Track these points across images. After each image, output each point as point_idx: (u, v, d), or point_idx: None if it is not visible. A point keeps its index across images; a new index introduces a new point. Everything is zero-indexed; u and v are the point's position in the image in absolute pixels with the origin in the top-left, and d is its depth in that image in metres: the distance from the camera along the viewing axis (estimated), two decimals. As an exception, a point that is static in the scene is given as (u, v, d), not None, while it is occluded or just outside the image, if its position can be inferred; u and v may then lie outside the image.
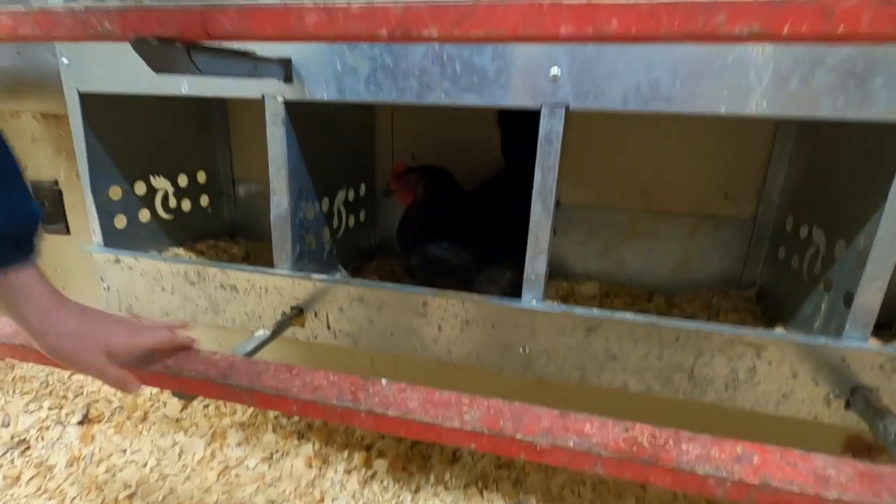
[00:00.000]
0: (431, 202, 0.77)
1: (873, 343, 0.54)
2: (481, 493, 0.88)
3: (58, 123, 1.09)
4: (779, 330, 0.68)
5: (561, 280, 0.90)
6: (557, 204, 0.87)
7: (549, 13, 0.32)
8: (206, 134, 0.97)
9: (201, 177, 0.97)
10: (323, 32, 0.36)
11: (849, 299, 0.55)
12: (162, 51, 0.41)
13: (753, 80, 0.49)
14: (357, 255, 0.92)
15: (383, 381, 0.48)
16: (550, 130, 0.54)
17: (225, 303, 0.72)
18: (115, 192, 0.79)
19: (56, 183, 1.14)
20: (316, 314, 0.69)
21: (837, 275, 0.59)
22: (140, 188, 0.83)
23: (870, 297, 0.53)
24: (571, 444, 0.40)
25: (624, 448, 0.40)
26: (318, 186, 0.73)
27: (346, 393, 0.46)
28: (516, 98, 0.54)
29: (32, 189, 1.14)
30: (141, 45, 0.40)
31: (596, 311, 0.59)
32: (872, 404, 0.53)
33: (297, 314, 0.69)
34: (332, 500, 0.85)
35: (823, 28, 0.29)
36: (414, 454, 0.98)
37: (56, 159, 1.12)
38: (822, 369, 0.55)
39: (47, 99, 0.87)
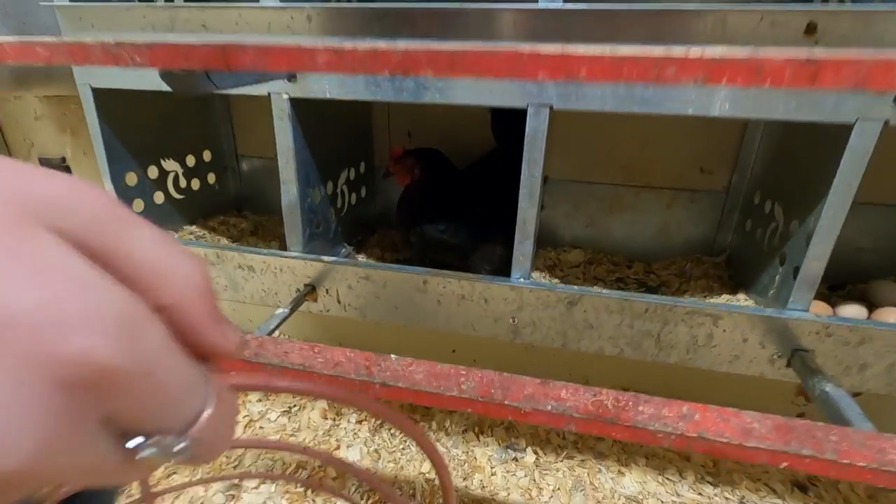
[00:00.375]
0: (427, 183, 0.83)
1: (811, 313, 0.63)
2: (478, 437, 1.00)
3: (60, 103, 1.11)
4: (733, 301, 0.76)
5: (549, 249, 0.97)
6: (546, 180, 0.93)
7: (529, 62, 0.37)
8: (209, 115, 1.01)
9: (207, 155, 1.01)
10: (332, 69, 0.41)
11: (796, 274, 0.63)
12: (185, 78, 0.46)
13: (717, 86, 0.54)
14: (360, 229, 0.99)
15: (392, 356, 0.56)
16: (536, 128, 0.60)
17: (244, 281, 0.80)
18: (131, 179, 0.84)
19: (64, 160, 1.17)
20: (327, 291, 0.77)
21: (790, 250, 0.67)
22: (153, 172, 0.88)
23: (811, 274, 0.61)
24: (549, 408, 0.49)
25: (592, 410, 0.49)
26: (323, 172, 0.79)
27: (361, 368, 0.54)
28: (506, 99, 0.59)
29: (42, 166, 1.18)
30: (167, 76, 0.45)
31: (576, 288, 0.67)
32: (807, 364, 0.62)
33: (310, 291, 0.77)
34: (348, 447, 0.97)
35: (754, 81, 0.34)
36: (417, 405, 1.09)
37: (61, 137, 1.16)
38: (768, 334, 0.64)
39: (53, 86, 0.90)
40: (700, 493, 0.89)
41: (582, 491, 0.88)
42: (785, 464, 0.46)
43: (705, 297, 0.81)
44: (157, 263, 0.15)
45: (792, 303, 0.63)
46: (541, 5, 0.53)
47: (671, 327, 0.67)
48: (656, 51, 0.35)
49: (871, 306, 0.80)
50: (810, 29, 0.50)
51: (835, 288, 0.87)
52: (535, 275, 0.85)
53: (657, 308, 0.66)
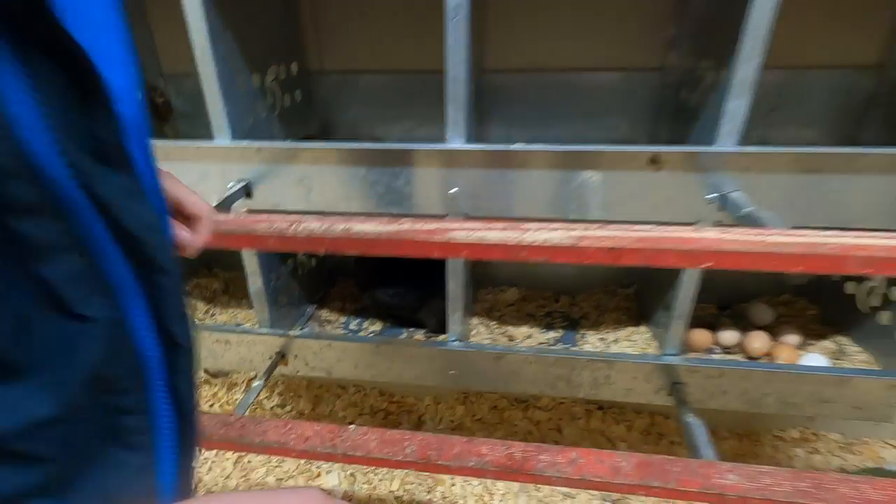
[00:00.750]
0: (376, 252, 0.95)
1: (681, 357, 0.80)
2: (439, 452, 1.16)
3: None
4: (635, 333, 0.93)
5: (490, 288, 1.12)
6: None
7: (426, 246, 0.50)
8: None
9: (175, 226, 1.11)
10: (280, 248, 0.53)
11: (673, 321, 0.80)
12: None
13: (592, 197, 0.68)
14: (321, 285, 1.11)
15: (351, 427, 0.70)
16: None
17: (222, 352, 0.92)
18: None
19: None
20: (296, 356, 0.90)
21: (672, 300, 0.83)
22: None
23: (678, 330, 0.78)
24: (472, 464, 0.65)
25: (504, 462, 0.65)
26: (284, 254, 0.91)
27: (326, 440, 0.69)
28: (427, 209, 0.72)
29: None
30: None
31: (500, 347, 0.82)
32: (680, 395, 0.80)
33: (281, 357, 0.90)
34: (327, 473, 1.12)
35: (580, 260, 0.49)
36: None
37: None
38: (652, 373, 0.81)
39: None
40: (623, 484, 1.08)
41: (526, 493, 1.06)
42: (642, 493, 0.63)
43: (615, 328, 0.98)
44: None
45: (667, 349, 0.80)
46: (448, 146, 0.66)
47: (578, 371, 0.83)
48: (512, 237, 0.49)
49: (750, 325, 0.98)
50: (654, 160, 0.64)
51: (724, 307, 1.05)
52: (475, 320, 0.99)
53: (564, 359, 0.81)
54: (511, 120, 0.96)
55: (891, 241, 0.44)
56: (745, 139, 0.77)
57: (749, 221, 0.58)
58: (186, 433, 0.31)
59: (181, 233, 0.41)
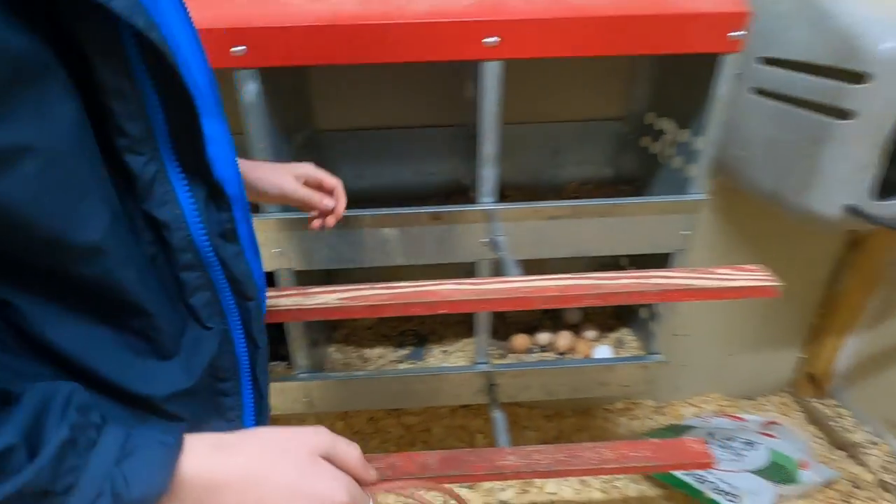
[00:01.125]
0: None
1: (490, 363, 0.98)
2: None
3: None
4: (469, 343, 1.11)
5: (351, 315, 1.25)
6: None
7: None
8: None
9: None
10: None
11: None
12: None
13: (394, 247, 0.84)
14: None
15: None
16: (287, 285, 0.85)
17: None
18: None
19: None
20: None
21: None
22: None
23: (482, 342, 0.96)
24: (309, 480, 0.78)
25: (336, 474, 0.78)
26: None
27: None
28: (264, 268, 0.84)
29: None
30: None
31: (343, 374, 0.96)
32: (494, 395, 0.98)
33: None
34: None
35: (344, 314, 0.63)
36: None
37: None
38: (471, 379, 0.99)
39: None
40: (479, 470, 1.26)
41: (395, 491, 1.20)
42: (446, 481, 0.79)
43: (454, 341, 1.16)
44: (347, 455, 0.36)
45: (479, 356, 0.98)
46: (270, 216, 0.78)
47: (415, 385, 0.99)
48: (298, 302, 0.62)
49: (563, 325, 1.19)
50: (435, 217, 0.81)
51: (547, 311, 1.27)
52: (333, 347, 1.12)
53: (400, 378, 0.97)
54: (349, 170, 1.10)
55: (562, 282, 0.63)
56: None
57: (502, 261, 0.76)
58: (262, 411, 0.44)
59: (328, 201, 0.59)
